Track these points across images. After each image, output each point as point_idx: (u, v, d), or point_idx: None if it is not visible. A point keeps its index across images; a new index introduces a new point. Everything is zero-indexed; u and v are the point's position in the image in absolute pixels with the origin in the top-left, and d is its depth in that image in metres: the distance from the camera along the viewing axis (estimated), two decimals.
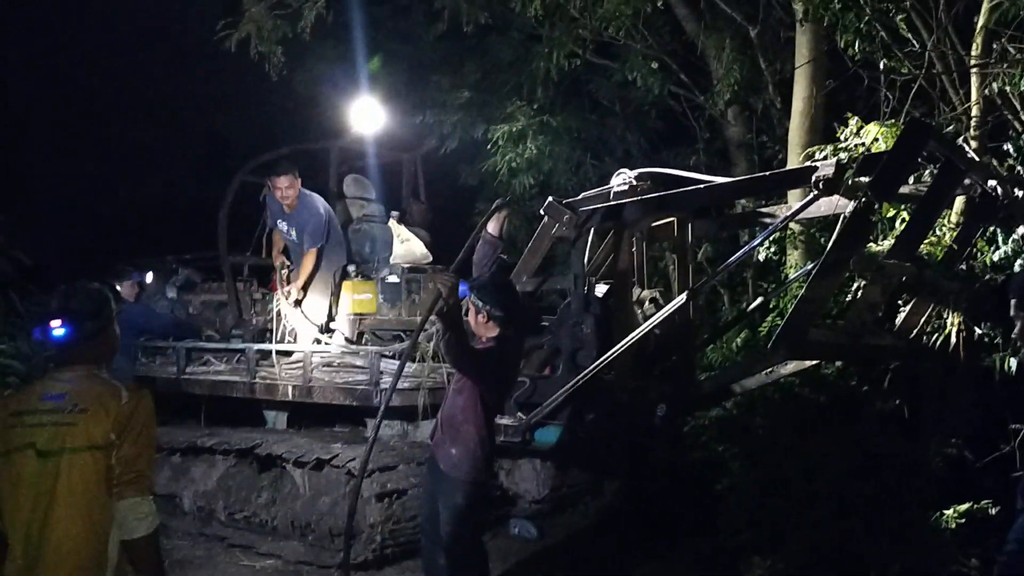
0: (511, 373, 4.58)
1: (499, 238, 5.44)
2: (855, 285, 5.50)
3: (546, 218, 6.03)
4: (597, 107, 9.75)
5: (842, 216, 5.47)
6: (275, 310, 7.09)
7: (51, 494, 2.57)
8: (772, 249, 6.91)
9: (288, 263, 7.26)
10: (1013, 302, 2.59)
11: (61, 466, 2.58)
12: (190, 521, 6.63)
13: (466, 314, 4.54)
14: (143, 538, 2.61)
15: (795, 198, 6.70)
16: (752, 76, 8.12)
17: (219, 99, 11.04)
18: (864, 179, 4.50)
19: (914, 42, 5.72)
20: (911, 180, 4.87)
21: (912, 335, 5.21)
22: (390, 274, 7.63)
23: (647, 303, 6.06)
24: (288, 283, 7.13)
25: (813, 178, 4.34)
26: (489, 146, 9.09)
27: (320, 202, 7.24)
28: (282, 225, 7.22)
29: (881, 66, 5.73)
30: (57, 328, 2.72)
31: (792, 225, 6.45)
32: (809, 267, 6.16)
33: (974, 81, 5.87)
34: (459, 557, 4.36)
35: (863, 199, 3.72)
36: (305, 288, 7.04)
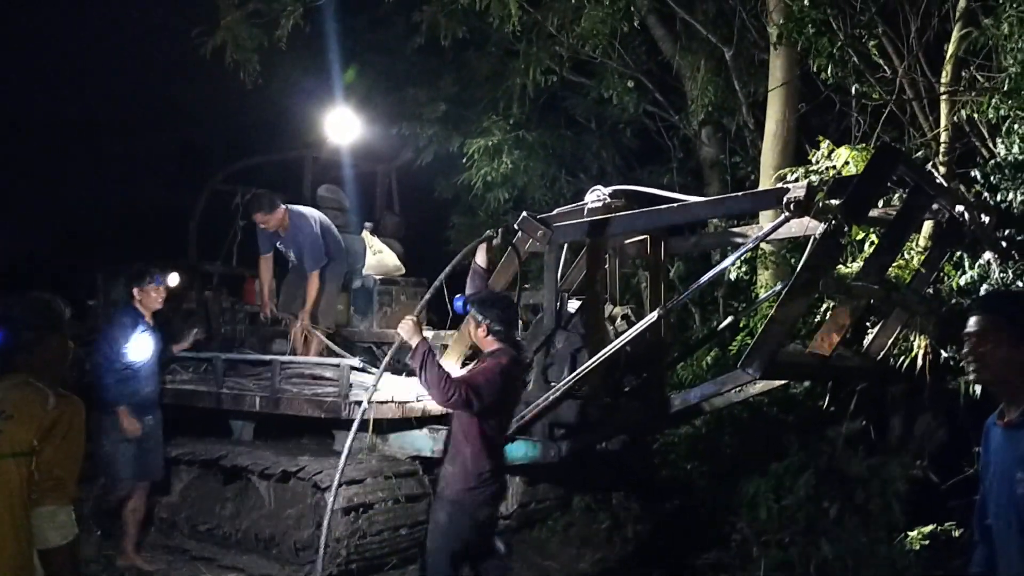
0: (512, 389, 4.42)
1: (487, 270, 5.40)
2: (824, 306, 5.56)
3: (520, 233, 6.03)
4: (572, 124, 9.79)
5: (812, 237, 5.56)
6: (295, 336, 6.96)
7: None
8: (743, 269, 6.96)
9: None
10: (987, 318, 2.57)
11: None
12: (153, 533, 6.51)
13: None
14: (58, 548, 2.56)
15: (767, 219, 6.76)
16: (726, 97, 8.20)
17: (193, 107, 10.96)
18: (834, 202, 4.56)
19: (885, 68, 5.81)
20: (880, 204, 4.94)
21: (879, 357, 5.27)
22: (362, 285, 7.60)
23: (619, 320, 6.07)
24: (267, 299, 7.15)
25: (784, 199, 4.38)
26: (464, 160, 9.09)
27: (311, 220, 7.09)
28: (281, 247, 7.12)
29: (853, 91, 5.81)
30: None
31: (763, 245, 6.51)
32: (779, 287, 6.22)
33: (943, 108, 5.98)
34: None
35: (833, 221, 3.76)
36: (314, 311, 6.96)
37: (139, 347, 5.96)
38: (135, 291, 6.03)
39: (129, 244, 8.53)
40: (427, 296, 5.42)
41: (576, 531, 6.71)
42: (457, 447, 4.30)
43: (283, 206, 6.96)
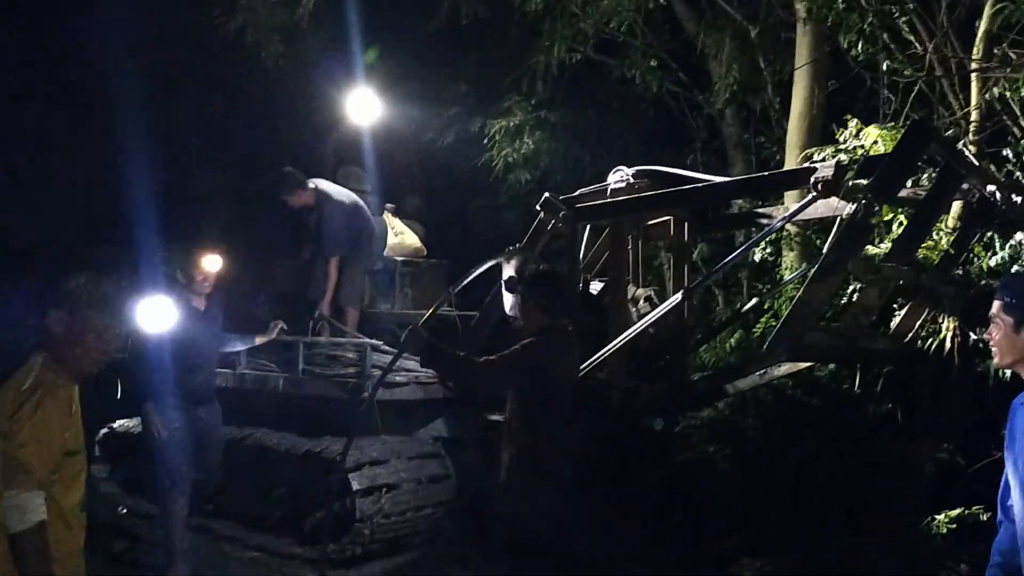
0: (558, 366, 4.18)
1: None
2: (851, 288, 5.49)
3: (542, 214, 6.00)
4: (595, 104, 9.70)
5: (839, 218, 5.48)
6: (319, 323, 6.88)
7: None
8: (768, 250, 6.89)
9: None
10: (996, 303, 2.56)
11: None
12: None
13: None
14: (19, 534, 2.47)
15: (792, 199, 6.68)
16: (751, 76, 8.08)
17: (214, 89, 10.93)
18: (862, 181, 4.49)
19: (916, 44, 5.69)
20: (908, 184, 4.85)
21: (907, 339, 5.20)
22: (383, 267, 7.59)
23: (641, 301, 6.03)
24: None
25: (812, 179, 4.32)
26: (486, 140, 9.04)
27: (338, 203, 6.97)
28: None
29: (884, 67, 5.70)
30: None
31: (788, 226, 6.42)
32: (805, 269, 6.16)
33: (974, 85, 5.85)
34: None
35: (863, 201, 3.69)
36: (338, 296, 6.93)
37: (186, 334, 5.31)
38: (182, 274, 5.44)
39: (146, 225, 8.49)
40: (432, 310, 5.33)
41: (595, 514, 6.67)
42: (511, 432, 4.19)
43: (311, 185, 6.92)
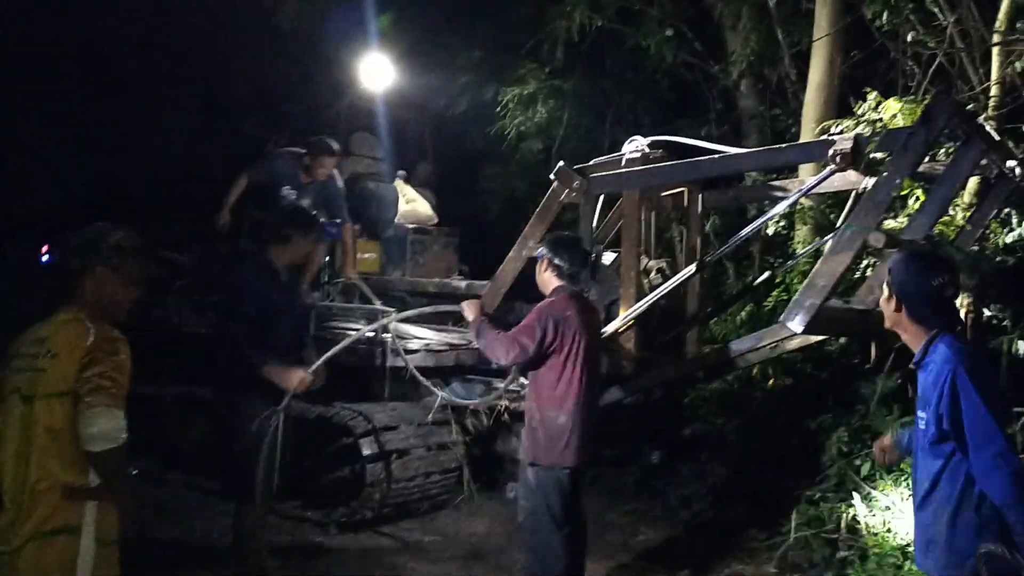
0: (577, 329, 4.18)
1: None
2: (865, 262, 5.47)
3: (556, 183, 5.97)
4: (609, 73, 9.61)
5: (855, 191, 5.45)
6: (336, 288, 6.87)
7: (29, 440, 2.54)
8: (782, 223, 6.85)
9: None
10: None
11: (36, 412, 2.55)
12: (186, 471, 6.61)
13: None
14: (99, 453, 2.54)
15: (806, 172, 6.64)
16: (768, 47, 7.99)
17: (222, 51, 10.76)
18: (879, 155, 4.45)
19: (940, 16, 5.61)
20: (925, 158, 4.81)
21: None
22: (395, 234, 7.58)
23: (653, 273, 6.01)
24: None
25: (831, 152, 4.28)
26: (499, 108, 8.97)
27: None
28: (288, 192, 6.81)
29: (908, 39, 5.62)
30: (44, 254, 2.72)
31: (802, 200, 6.39)
32: (819, 243, 6.13)
33: (995, 59, 5.78)
34: (529, 545, 4.28)
35: (884, 174, 3.66)
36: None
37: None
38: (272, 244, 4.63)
39: (157, 197, 8.42)
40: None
41: (605, 483, 6.73)
42: (532, 405, 4.22)
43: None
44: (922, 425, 2.79)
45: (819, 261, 3.77)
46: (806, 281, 3.76)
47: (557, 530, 4.12)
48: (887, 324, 2.95)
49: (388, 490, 5.64)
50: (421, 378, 5.51)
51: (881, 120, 5.26)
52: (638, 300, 5.40)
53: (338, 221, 6.86)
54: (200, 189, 7.49)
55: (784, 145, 5.36)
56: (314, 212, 6.83)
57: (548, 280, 4.30)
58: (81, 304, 2.70)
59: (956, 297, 3.00)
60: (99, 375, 2.55)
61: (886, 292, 2.91)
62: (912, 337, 2.86)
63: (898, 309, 2.85)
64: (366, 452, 5.58)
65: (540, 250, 4.37)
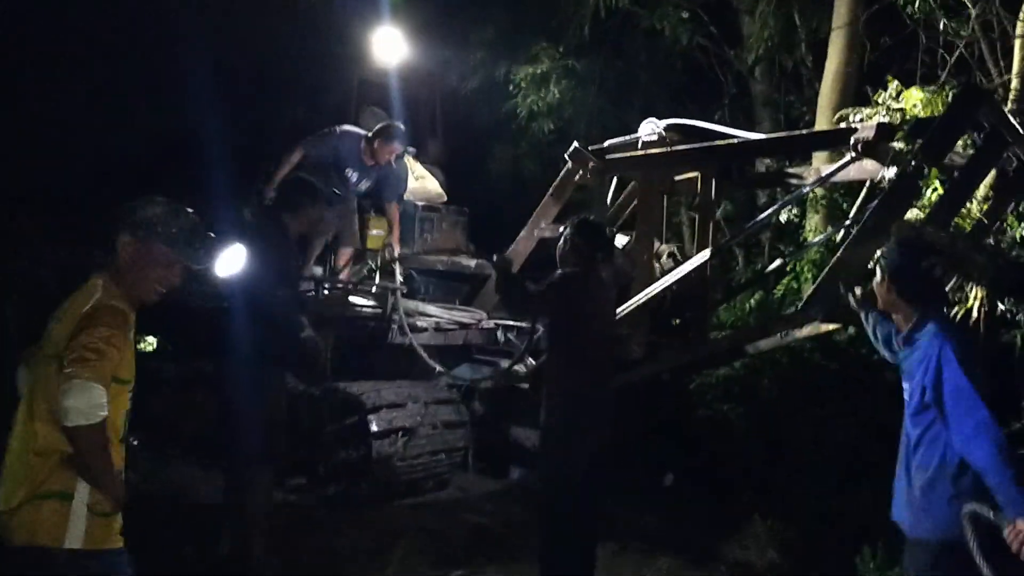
0: (582, 308, 4.23)
1: None
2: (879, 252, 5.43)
3: (569, 164, 5.93)
4: (623, 55, 9.52)
5: (871, 181, 5.40)
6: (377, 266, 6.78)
7: (34, 403, 2.50)
8: (794, 211, 6.82)
9: None
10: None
11: (38, 374, 2.52)
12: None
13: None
14: (74, 428, 2.36)
15: (820, 160, 6.60)
16: (785, 33, 7.92)
17: (226, 22, 10.54)
18: (898, 144, 4.41)
19: (968, 4, 5.55)
20: None
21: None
22: (404, 212, 7.52)
23: (664, 257, 5.99)
24: None
25: (852, 140, 4.24)
26: (512, 87, 8.90)
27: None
28: (351, 174, 6.84)
29: (941, 27, 5.57)
30: None
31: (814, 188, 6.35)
32: (831, 232, 6.10)
33: (1017, 51, 5.73)
34: (547, 519, 4.30)
35: (912, 163, 3.62)
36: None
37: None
38: (287, 215, 4.69)
39: (160, 173, 8.31)
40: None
41: (611, 469, 6.71)
42: (548, 373, 4.30)
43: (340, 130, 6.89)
44: (906, 396, 3.01)
45: (842, 249, 3.74)
46: (828, 269, 3.73)
47: (572, 506, 4.15)
48: (881, 305, 3.17)
49: (394, 467, 5.62)
50: (424, 355, 5.53)
51: (902, 109, 5.20)
52: (650, 284, 5.38)
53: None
54: (203, 163, 7.42)
55: (804, 132, 5.33)
56: (359, 190, 6.89)
57: (569, 260, 4.31)
58: (108, 272, 2.62)
59: (945, 279, 3.19)
60: (85, 345, 2.40)
61: (879, 276, 3.11)
62: (903, 316, 3.06)
63: (891, 291, 3.04)
64: (373, 429, 5.56)
65: (564, 230, 4.36)
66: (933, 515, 2.84)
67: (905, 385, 3.02)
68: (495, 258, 4.63)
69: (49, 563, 2.44)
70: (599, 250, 4.30)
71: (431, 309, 6.19)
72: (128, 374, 2.58)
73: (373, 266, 6.70)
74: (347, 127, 6.96)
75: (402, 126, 6.88)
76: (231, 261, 3.05)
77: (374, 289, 6.36)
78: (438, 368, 5.95)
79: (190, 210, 2.72)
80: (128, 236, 2.60)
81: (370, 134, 6.80)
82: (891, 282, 3.03)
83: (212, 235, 2.79)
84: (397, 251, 6.74)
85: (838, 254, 3.77)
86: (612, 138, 6.14)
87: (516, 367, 5.81)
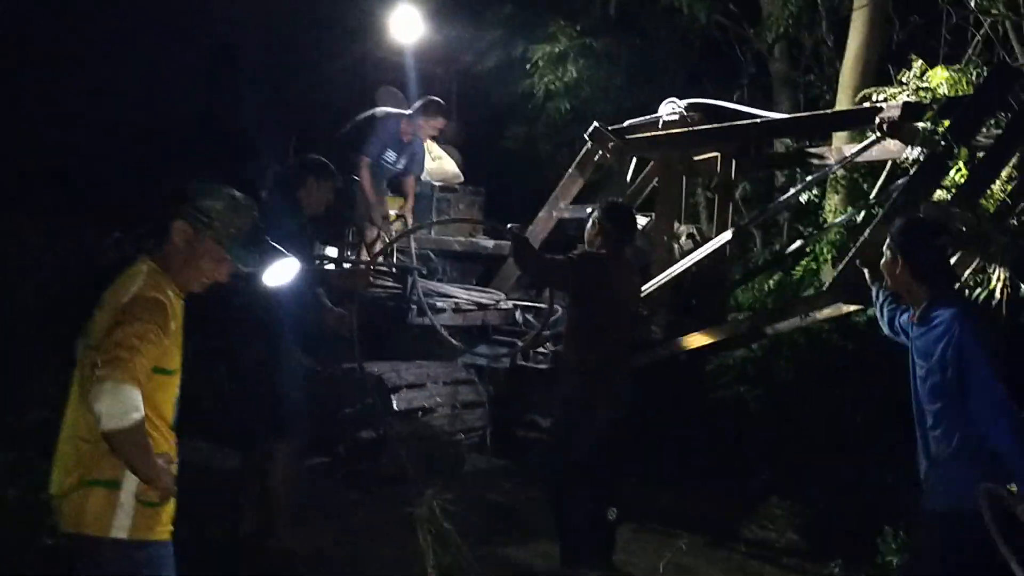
0: (604, 287, 4.28)
1: None
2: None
3: (589, 144, 5.90)
4: (640, 34, 9.44)
5: (892, 162, 5.36)
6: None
7: (80, 385, 2.44)
8: (814, 191, 6.77)
9: None
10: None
11: (82, 360, 2.45)
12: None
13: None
14: (109, 432, 2.25)
15: (840, 140, 6.55)
16: (806, 12, 7.83)
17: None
18: (920, 125, 4.37)
19: None
20: None
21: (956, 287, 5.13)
22: (420, 192, 7.50)
23: (684, 238, 5.97)
24: None
25: (878, 120, 4.20)
26: (528, 66, 8.84)
27: None
28: (390, 155, 6.86)
29: (972, 4, 5.50)
30: None
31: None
32: (852, 213, 6.06)
33: None
34: (549, 478, 4.42)
35: (943, 143, 3.59)
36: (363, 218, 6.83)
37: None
38: (301, 189, 4.70)
39: (163, 152, 8.28)
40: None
41: (626, 449, 6.72)
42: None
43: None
44: (921, 372, 3.02)
45: (869, 229, 3.72)
46: (855, 249, 3.71)
47: (579, 480, 4.27)
48: (891, 285, 3.21)
49: (413, 447, 5.63)
50: (445, 333, 5.53)
51: (927, 88, 5.14)
52: (670, 264, 5.37)
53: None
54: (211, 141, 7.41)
55: (829, 111, 5.28)
56: (398, 168, 6.91)
57: (596, 243, 4.36)
58: (156, 255, 2.51)
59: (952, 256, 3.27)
60: (119, 343, 2.28)
61: (889, 255, 3.12)
62: (915, 295, 3.08)
63: (903, 270, 3.06)
64: (393, 409, 5.58)
65: (593, 213, 4.39)
66: (950, 488, 2.91)
67: (920, 362, 3.04)
68: (509, 226, 4.65)
69: (94, 552, 2.40)
70: (626, 234, 4.36)
71: (451, 289, 6.18)
72: (173, 364, 2.50)
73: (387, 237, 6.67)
74: (384, 109, 6.94)
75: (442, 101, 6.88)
76: (281, 273, 2.79)
77: (393, 269, 6.35)
78: (459, 346, 5.96)
79: (252, 205, 2.58)
80: (183, 222, 2.48)
81: (410, 111, 6.82)
82: (904, 261, 3.05)
83: (269, 241, 2.65)
84: (411, 221, 6.74)
85: (865, 235, 3.74)
86: (629, 118, 6.12)
87: (535, 348, 5.83)
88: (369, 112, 6.93)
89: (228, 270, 2.59)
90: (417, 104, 6.88)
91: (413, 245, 6.39)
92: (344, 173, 6.13)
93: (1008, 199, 5.02)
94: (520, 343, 6.22)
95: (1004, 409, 2.78)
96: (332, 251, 6.55)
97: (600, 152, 5.82)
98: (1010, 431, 2.75)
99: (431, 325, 5.94)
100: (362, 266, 5.50)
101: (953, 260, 5.04)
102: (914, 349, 3.10)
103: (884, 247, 3.16)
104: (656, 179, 5.86)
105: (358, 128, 6.83)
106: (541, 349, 5.89)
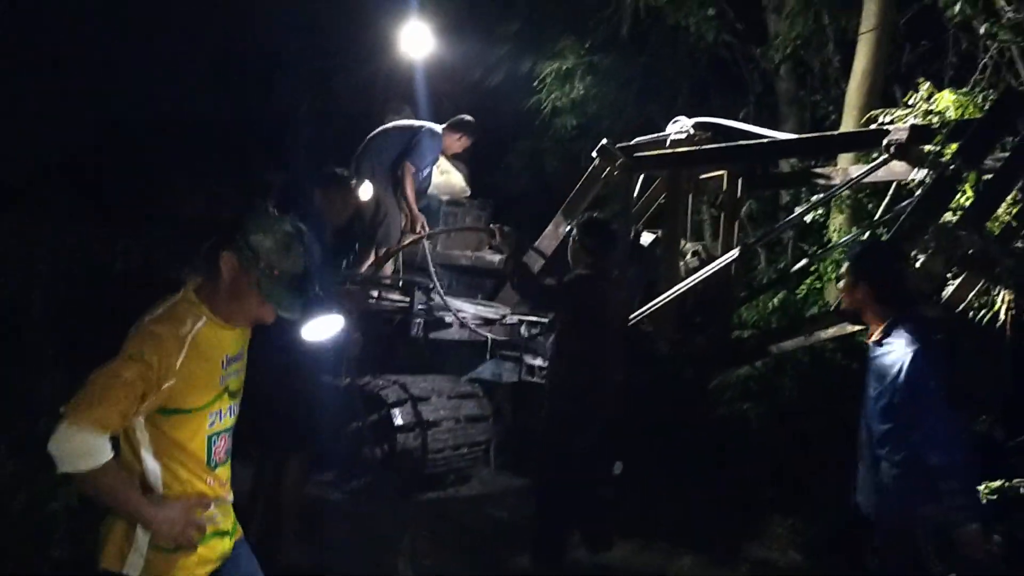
0: (594, 309, 4.35)
1: None
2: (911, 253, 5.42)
3: (597, 161, 5.94)
4: (647, 52, 9.50)
5: (898, 183, 5.38)
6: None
7: None
8: (819, 211, 6.80)
9: None
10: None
11: None
12: None
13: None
14: (63, 475, 2.14)
15: (845, 161, 6.58)
16: (813, 32, 7.88)
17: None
18: (927, 147, 4.40)
19: (1005, 7, 5.52)
20: None
21: (959, 309, 5.15)
22: (427, 206, 7.53)
23: (689, 255, 5.99)
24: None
25: (885, 141, 4.23)
26: (536, 82, 8.89)
27: None
28: (426, 169, 7.02)
29: (982, 31, 5.54)
30: None
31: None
32: (857, 234, 6.09)
33: None
34: (538, 496, 4.49)
35: (951, 166, 3.62)
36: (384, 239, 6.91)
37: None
38: (320, 195, 4.76)
39: (165, 154, 8.29)
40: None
41: (628, 462, 6.72)
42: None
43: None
44: (872, 393, 3.16)
45: None
46: None
47: (560, 499, 4.39)
48: (851, 307, 3.29)
49: (418, 461, 5.65)
50: (472, 326, 5.63)
51: (934, 112, 5.18)
52: (676, 282, 5.39)
53: None
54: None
55: (836, 132, 5.32)
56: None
57: (580, 260, 4.44)
58: (205, 284, 2.35)
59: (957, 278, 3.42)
60: (92, 380, 2.14)
61: (849, 279, 3.22)
62: (875, 317, 3.18)
63: (865, 293, 3.16)
64: (397, 423, 5.59)
65: (571, 230, 4.46)
66: (896, 507, 3.06)
67: (874, 383, 3.15)
68: (504, 229, 4.68)
69: None
70: (606, 248, 4.41)
71: (459, 304, 6.20)
72: (197, 401, 2.31)
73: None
74: (432, 126, 6.96)
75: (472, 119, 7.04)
76: (323, 329, 2.53)
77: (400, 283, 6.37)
78: (488, 336, 5.98)
79: (307, 248, 2.36)
80: (231, 254, 2.30)
81: (444, 128, 6.96)
82: (866, 284, 3.14)
83: (318, 292, 2.40)
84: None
85: None
86: (635, 135, 6.16)
87: (539, 363, 5.86)
88: (413, 124, 6.99)
89: (272, 315, 2.40)
90: (451, 121, 6.99)
91: (430, 258, 6.41)
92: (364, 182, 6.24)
93: (1013, 222, 5.06)
94: (526, 358, 6.23)
95: (945, 438, 2.91)
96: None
97: (607, 169, 5.85)
98: (947, 461, 2.88)
99: (435, 339, 5.96)
100: (356, 287, 5.47)
101: (958, 282, 5.12)
102: (869, 369, 3.21)
103: (844, 270, 3.28)
104: (663, 196, 5.89)
105: (397, 139, 6.86)
106: (545, 363, 5.90)
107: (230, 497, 2.49)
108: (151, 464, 2.29)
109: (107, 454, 2.15)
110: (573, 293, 4.30)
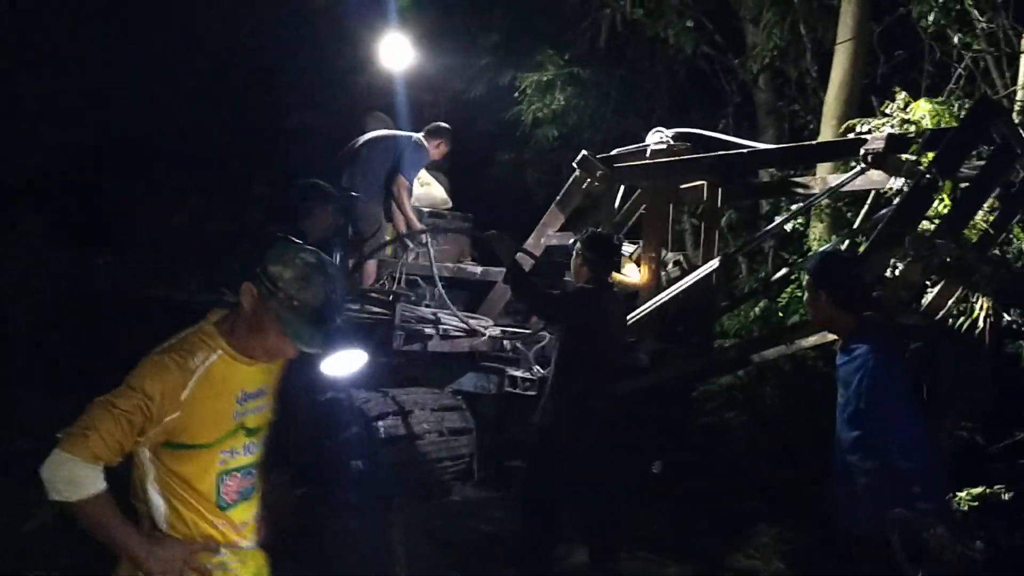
0: (598, 319, 4.38)
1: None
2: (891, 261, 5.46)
3: (577, 172, 5.95)
4: (627, 63, 9.55)
5: (876, 192, 5.43)
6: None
7: None
8: (799, 220, 6.85)
9: None
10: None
11: None
12: None
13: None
14: (54, 502, 2.08)
15: (824, 170, 6.63)
16: (790, 43, 7.95)
17: (226, 14, 10.38)
18: (906, 156, 4.44)
19: (978, 19, 5.60)
20: None
21: (938, 316, 5.19)
22: None
23: (670, 265, 6.01)
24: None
25: (862, 151, 4.26)
26: (516, 94, 8.92)
27: None
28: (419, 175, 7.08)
29: (956, 40, 5.61)
30: None
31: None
32: (836, 242, 6.13)
33: (1023, 64, 5.77)
34: (525, 503, 4.45)
35: (927, 175, 3.65)
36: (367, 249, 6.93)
37: None
38: (306, 223, 4.66)
39: (153, 166, 8.24)
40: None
41: (613, 475, 6.71)
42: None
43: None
44: (841, 401, 3.17)
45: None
46: None
47: (550, 507, 4.32)
48: (814, 317, 3.34)
49: (400, 474, 5.62)
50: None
51: (910, 121, 5.23)
52: (658, 292, 5.40)
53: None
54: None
55: (815, 142, 5.36)
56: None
57: (580, 272, 4.43)
58: (228, 315, 2.28)
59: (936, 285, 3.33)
60: (88, 411, 2.08)
61: (811, 290, 3.25)
62: (839, 326, 3.21)
63: (827, 302, 3.17)
64: (380, 436, 5.55)
65: (575, 245, 4.46)
66: (868, 513, 3.05)
67: (841, 391, 3.18)
68: (492, 232, 4.73)
69: None
70: (610, 263, 4.43)
71: (442, 315, 6.18)
72: (206, 436, 2.22)
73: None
74: (416, 136, 6.97)
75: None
76: (344, 364, 2.44)
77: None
78: (490, 333, 5.96)
79: (330, 280, 2.24)
80: (252, 284, 2.21)
81: (425, 136, 6.94)
82: (827, 293, 3.16)
83: (338, 324, 2.28)
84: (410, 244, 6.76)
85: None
86: (615, 145, 6.19)
87: (521, 374, 5.85)
88: (397, 134, 6.98)
89: (293, 349, 2.27)
90: (428, 129, 6.96)
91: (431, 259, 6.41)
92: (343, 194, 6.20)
93: (990, 229, 5.11)
94: (508, 370, 6.22)
95: (903, 442, 2.93)
96: None
97: (588, 180, 5.86)
98: (911, 460, 2.90)
99: (417, 352, 5.94)
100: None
101: (936, 289, 5.17)
102: (838, 377, 3.23)
103: (804, 282, 3.23)
104: (643, 207, 5.91)
105: (382, 149, 6.84)
106: (528, 375, 5.90)
107: (248, 543, 2.36)
108: (156, 499, 2.21)
109: (97, 485, 2.08)
110: (576, 304, 4.34)
